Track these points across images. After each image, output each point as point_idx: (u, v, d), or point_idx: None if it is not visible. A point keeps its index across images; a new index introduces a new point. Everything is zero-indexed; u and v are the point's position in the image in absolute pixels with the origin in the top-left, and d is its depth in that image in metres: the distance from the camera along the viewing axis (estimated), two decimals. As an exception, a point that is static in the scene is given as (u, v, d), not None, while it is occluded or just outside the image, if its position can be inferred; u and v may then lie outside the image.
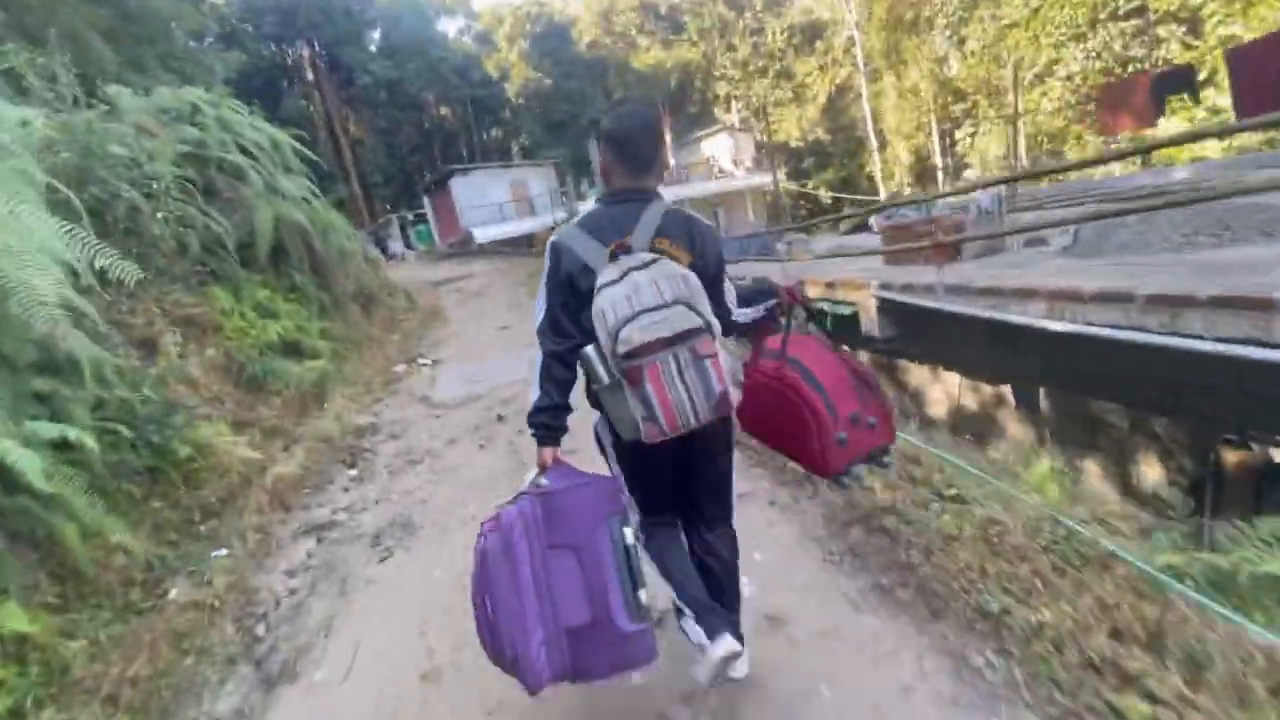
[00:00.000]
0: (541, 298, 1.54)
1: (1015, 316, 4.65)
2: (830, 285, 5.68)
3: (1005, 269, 5.64)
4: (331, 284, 8.13)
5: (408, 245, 29.14)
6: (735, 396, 1.42)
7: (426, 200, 28.16)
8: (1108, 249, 5.51)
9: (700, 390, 1.33)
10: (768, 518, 2.79)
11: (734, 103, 32.28)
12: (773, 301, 1.71)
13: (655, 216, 1.48)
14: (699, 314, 1.33)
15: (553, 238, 1.56)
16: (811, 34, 30.77)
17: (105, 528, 2.78)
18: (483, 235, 22.14)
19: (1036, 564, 2.02)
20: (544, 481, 1.51)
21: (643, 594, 1.42)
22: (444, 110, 47.04)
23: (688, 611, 1.58)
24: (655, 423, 1.34)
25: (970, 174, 24.26)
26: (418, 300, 13.96)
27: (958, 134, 26.92)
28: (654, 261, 1.37)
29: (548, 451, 1.57)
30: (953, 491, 2.54)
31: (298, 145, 8.65)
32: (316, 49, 39.15)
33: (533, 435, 1.58)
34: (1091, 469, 5.03)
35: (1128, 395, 4.69)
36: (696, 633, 1.54)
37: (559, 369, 1.52)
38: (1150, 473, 4.79)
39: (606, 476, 1.60)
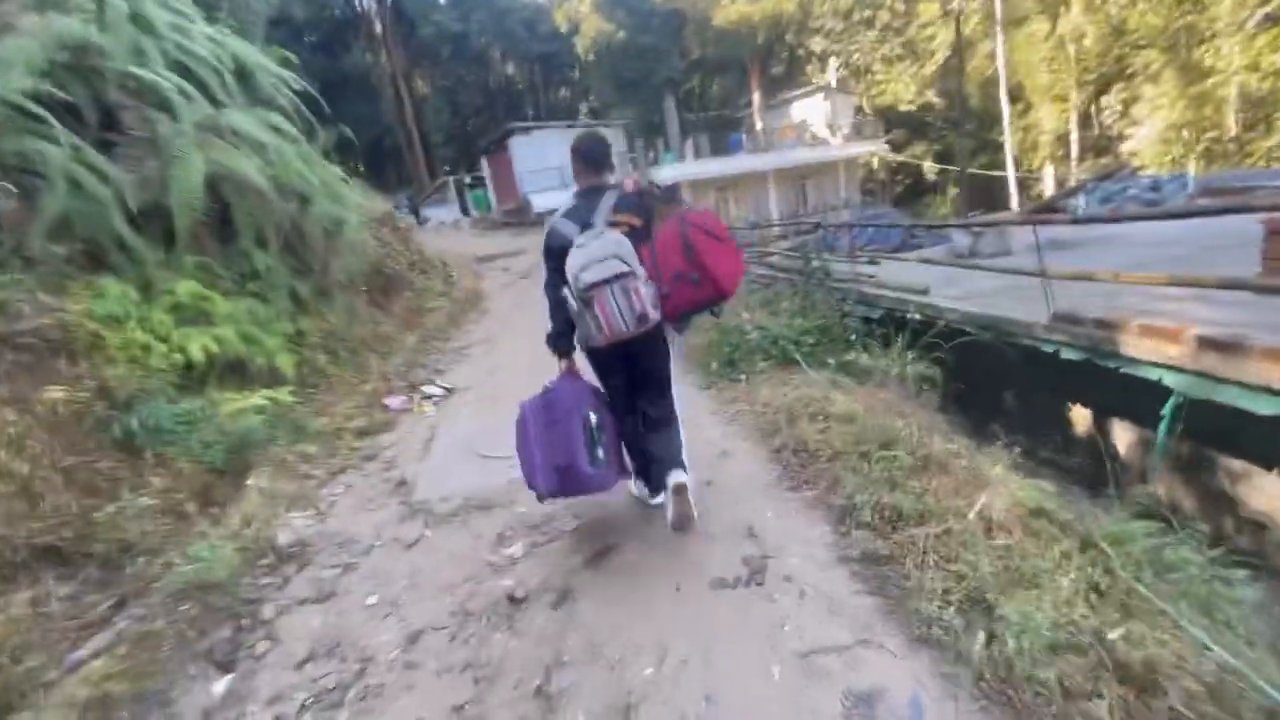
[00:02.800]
0: (542, 265, 2.44)
1: None
2: (1234, 351, 2.71)
3: None
4: (315, 268, 5.78)
5: (464, 211, 27.11)
6: (654, 315, 2.19)
7: (484, 162, 25.93)
8: None
9: (627, 310, 2.13)
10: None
11: (830, 60, 28.27)
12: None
13: (610, 200, 2.33)
14: (626, 263, 2.12)
15: (548, 222, 2.40)
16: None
17: None
18: (541, 203, 19.64)
19: None
20: (549, 384, 2.51)
21: (599, 451, 2.34)
22: (510, 68, 44.64)
23: (636, 478, 2.70)
24: (601, 331, 2.16)
25: (1128, 147, 19.90)
26: (456, 280, 11.67)
27: (1104, 99, 22.34)
28: (603, 233, 2.19)
29: (564, 362, 2.54)
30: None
31: (282, 73, 6.27)
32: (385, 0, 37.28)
33: (553, 352, 2.53)
34: None
35: None
36: (642, 489, 2.72)
37: (559, 310, 2.40)
38: None
39: (588, 383, 2.53)
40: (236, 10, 13.73)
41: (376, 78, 39.74)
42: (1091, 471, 3.88)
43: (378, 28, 38.67)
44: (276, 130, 5.68)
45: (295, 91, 6.59)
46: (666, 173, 20.73)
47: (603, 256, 2.12)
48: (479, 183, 27.36)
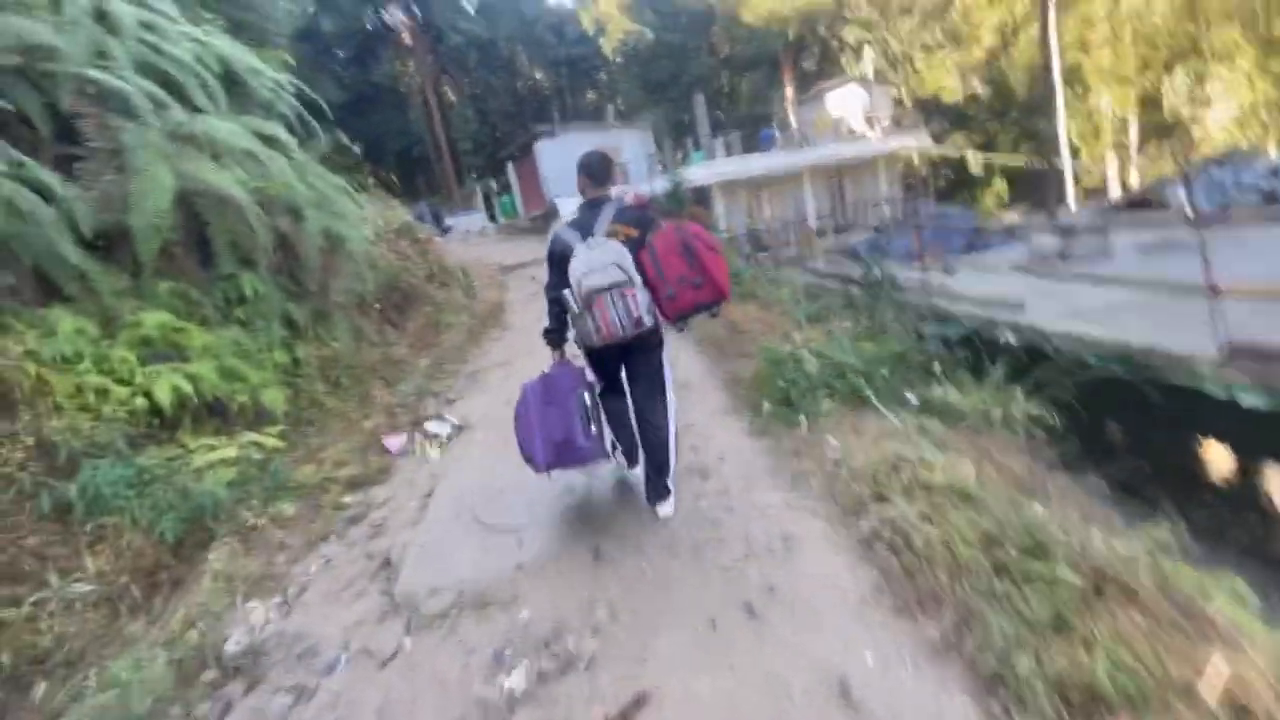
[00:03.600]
0: (545, 267, 2.71)
1: None
2: None
3: None
4: (313, 289, 5.22)
5: (491, 218, 26.81)
6: (648, 321, 2.44)
7: (511, 167, 25.55)
8: None
9: (624, 314, 2.37)
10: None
11: (866, 50, 27.08)
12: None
13: (610, 212, 2.57)
14: (625, 271, 2.37)
15: (552, 229, 2.79)
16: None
17: None
18: (568, 208, 19.09)
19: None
20: (547, 369, 2.74)
21: (592, 427, 2.60)
22: (537, 74, 44.42)
23: (619, 449, 2.90)
24: (599, 333, 2.41)
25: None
26: (478, 292, 11.14)
27: (1168, 81, 20.66)
28: (605, 242, 2.42)
29: (556, 353, 2.78)
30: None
31: (279, 77, 5.75)
32: (413, 10, 37.47)
33: (547, 344, 2.79)
34: None
35: None
36: (622, 462, 2.94)
37: (556, 308, 2.65)
38: None
39: (581, 368, 2.77)
40: (257, 20, 13.42)
41: (406, 87, 40.00)
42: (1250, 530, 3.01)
43: (406, 38, 38.93)
44: (268, 139, 5.15)
45: (300, 98, 6.08)
46: (696, 172, 19.96)
47: (604, 265, 2.36)
48: (506, 189, 27.03)
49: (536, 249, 16.73)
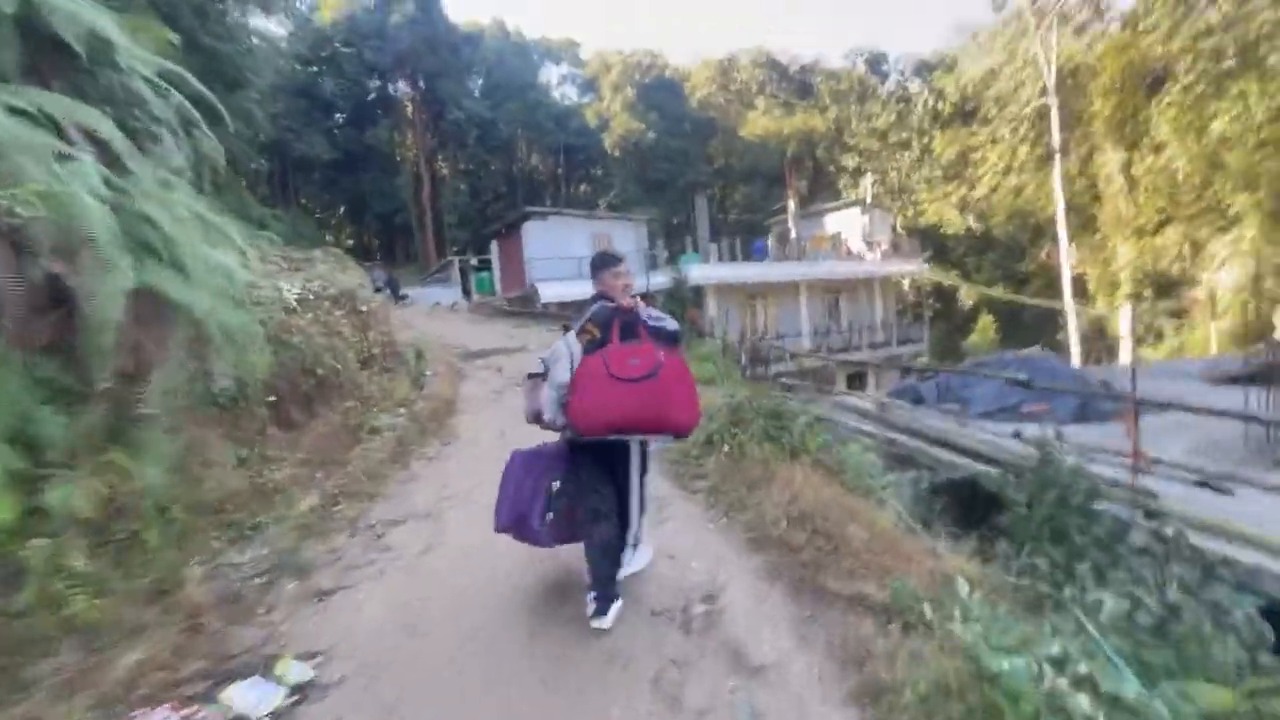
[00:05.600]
0: None
1: None
2: None
3: None
4: (105, 383, 3.04)
5: (465, 293, 25.08)
6: (548, 418, 2.60)
7: (494, 245, 24.16)
8: None
9: (528, 405, 2.72)
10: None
11: (864, 177, 27.42)
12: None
13: (589, 310, 2.68)
14: (544, 365, 2.60)
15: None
16: (967, 111, 25.85)
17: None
18: (549, 293, 17.44)
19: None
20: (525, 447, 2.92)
21: (548, 515, 2.71)
22: (535, 159, 44.66)
23: (592, 588, 2.55)
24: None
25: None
26: (428, 382, 8.94)
27: (1159, 240, 20.69)
28: (562, 337, 2.63)
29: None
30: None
31: (149, 58, 3.87)
32: (419, 83, 37.61)
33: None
34: None
35: None
36: (592, 602, 2.52)
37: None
38: None
39: (564, 452, 2.79)
40: (237, 56, 11.81)
41: (400, 154, 39.49)
42: None
43: (408, 109, 38.84)
44: (95, 139, 3.16)
45: (194, 100, 4.20)
46: (691, 272, 18.78)
47: (541, 357, 2.68)
48: (485, 265, 25.54)
49: (510, 334, 14.70)
